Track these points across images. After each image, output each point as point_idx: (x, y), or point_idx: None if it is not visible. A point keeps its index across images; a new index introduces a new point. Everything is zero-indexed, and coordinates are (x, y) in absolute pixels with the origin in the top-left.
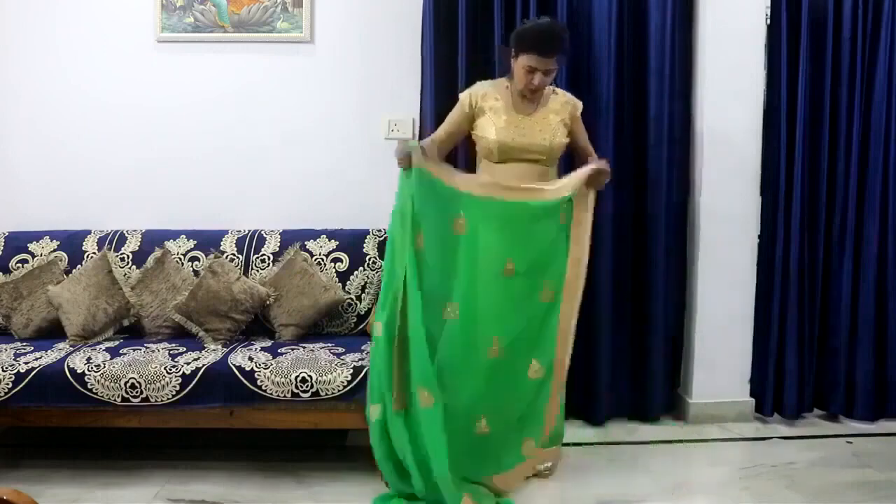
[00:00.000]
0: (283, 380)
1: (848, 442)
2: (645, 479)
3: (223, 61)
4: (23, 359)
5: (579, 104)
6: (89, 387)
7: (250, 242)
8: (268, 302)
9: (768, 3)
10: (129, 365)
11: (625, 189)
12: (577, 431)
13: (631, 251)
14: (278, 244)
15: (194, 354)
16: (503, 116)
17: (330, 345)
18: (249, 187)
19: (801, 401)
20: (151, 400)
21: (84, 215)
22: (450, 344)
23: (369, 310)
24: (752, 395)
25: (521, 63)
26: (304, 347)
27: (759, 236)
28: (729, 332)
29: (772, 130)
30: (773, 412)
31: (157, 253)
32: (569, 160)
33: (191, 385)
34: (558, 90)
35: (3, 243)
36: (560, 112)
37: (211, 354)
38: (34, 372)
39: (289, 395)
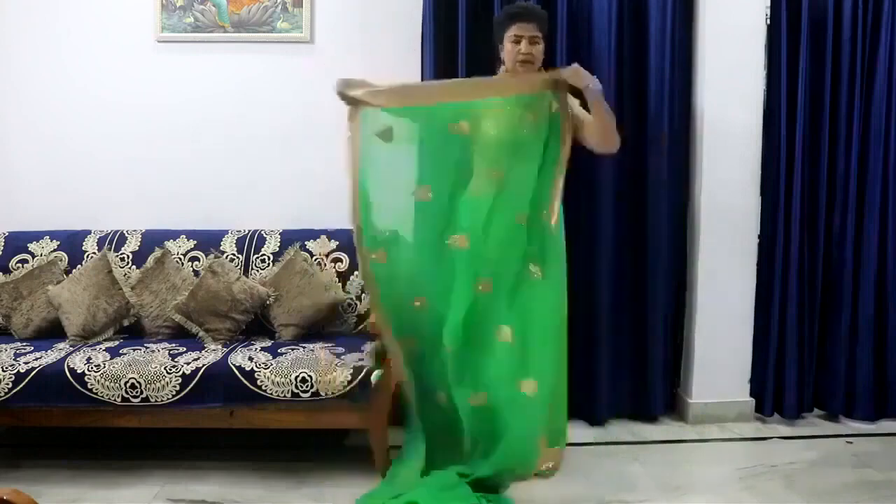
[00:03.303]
0: (283, 380)
1: (848, 442)
2: (645, 480)
3: (223, 61)
4: (23, 359)
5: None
6: (89, 387)
7: (250, 242)
8: (268, 302)
9: (768, 3)
10: (129, 365)
11: (625, 189)
12: (577, 431)
13: (631, 251)
14: (278, 244)
15: (194, 354)
16: None
17: (330, 345)
18: (249, 187)
19: (801, 401)
20: (151, 400)
21: (84, 215)
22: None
23: (369, 310)
24: (752, 395)
25: (506, 40)
26: (304, 347)
27: (759, 236)
28: (729, 332)
29: (772, 130)
30: (773, 412)
31: (157, 253)
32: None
33: (191, 385)
34: None
35: (3, 243)
36: None
37: (211, 354)
38: (34, 372)
39: (289, 395)
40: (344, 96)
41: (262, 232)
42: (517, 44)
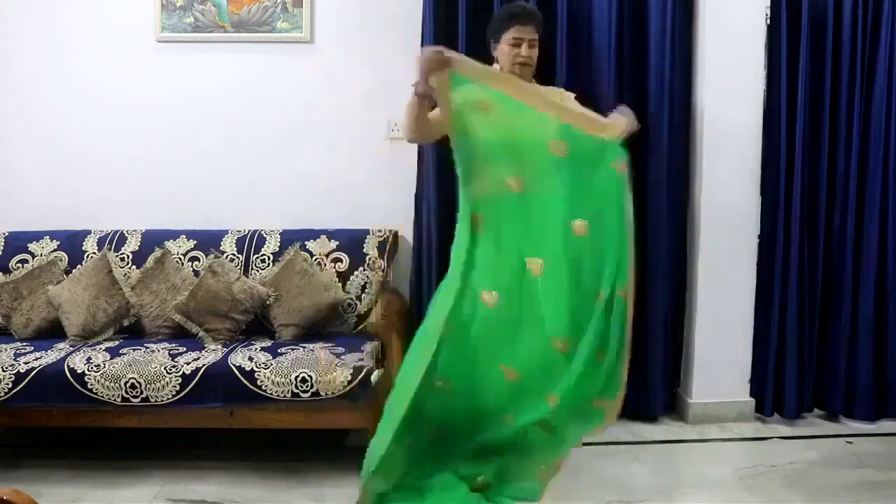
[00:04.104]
0: (283, 380)
1: (848, 442)
2: (645, 480)
3: (223, 61)
4: (23, 359)
5: (568, 93)
6: (89, 387)
7: (250, 242)
8: (268, 302)
9: (768, 3)
10: (129, 365)
11: None
12: None
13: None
14: (278, 244)
15: (194, 354)
16: None
17: (330, 345)
18: (249, 187)
19: (801, 401)
20: (151, 400)
21: (84, 215)
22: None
23: (369, 310)
24: (752, 395)
25: (504, 41)
26: (304, 347)
27: (759, 236)
28: (729, 332)
29: (772, 130)
30: (773, 412)
31: (157, 253)
32: None
33: (191, 385)
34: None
35: (3, 243)
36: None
37: (211, 354)
38: (34, 372)
39: (289, 395)
40: (434, 58)
41: (262, 232)
42: (517, 47)
